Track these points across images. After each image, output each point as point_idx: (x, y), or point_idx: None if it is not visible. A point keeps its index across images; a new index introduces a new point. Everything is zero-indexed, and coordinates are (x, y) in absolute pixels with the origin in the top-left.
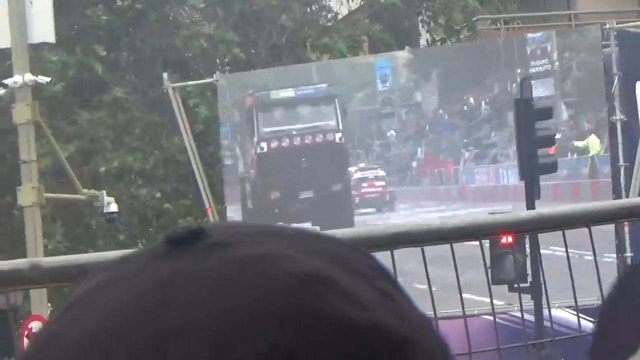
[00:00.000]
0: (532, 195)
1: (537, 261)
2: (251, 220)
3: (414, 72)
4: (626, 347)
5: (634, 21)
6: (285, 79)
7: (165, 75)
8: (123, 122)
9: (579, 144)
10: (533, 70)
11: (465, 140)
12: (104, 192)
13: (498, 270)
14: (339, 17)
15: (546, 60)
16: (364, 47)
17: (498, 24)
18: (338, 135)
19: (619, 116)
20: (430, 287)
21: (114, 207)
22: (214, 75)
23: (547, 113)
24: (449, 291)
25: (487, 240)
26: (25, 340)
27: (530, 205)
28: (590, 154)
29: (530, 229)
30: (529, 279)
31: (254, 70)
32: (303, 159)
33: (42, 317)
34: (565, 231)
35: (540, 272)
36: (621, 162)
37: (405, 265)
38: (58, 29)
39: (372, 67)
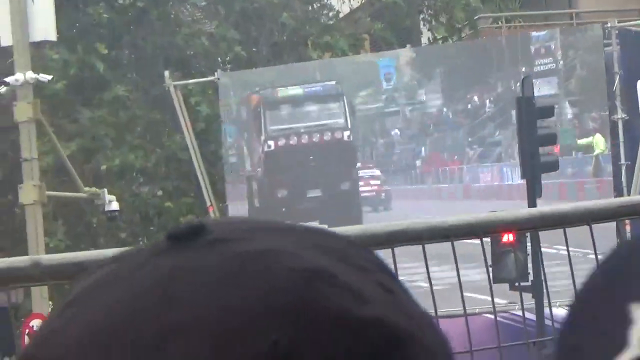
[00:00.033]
0: (533, 193)
1: (538, 259)
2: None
3: (418, 71)
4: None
5: (636, 20)
6: (287, 77)
7: (166, 73)
8: (124, 120)
9: (583, 142)
10: (537, 68)
11: (469, 139)
12: (105, 190)
13: (499, 268)
14: (340, 15)
15: (550, 58)
16: (365, 46)
17: (499, 23)
18: (346, 133)
19: (620, 115)
20: (431, 284)
21: (115, 205)
22: (216, 73)
23: (548, 111)
24: (452, 290)
25: (489, 239)
26: (26, 339)
27: (532, 204)
28: (595, 153)
29: (531, 227)
30: (530, 277)
31: (255, 68)
32: (311, 157)
33: (43, 315)
34: (568, 230)
35: (542, 271)
36: (622, 161)
37: (407, 264)
38: (59, 27)
39: (375, 66)
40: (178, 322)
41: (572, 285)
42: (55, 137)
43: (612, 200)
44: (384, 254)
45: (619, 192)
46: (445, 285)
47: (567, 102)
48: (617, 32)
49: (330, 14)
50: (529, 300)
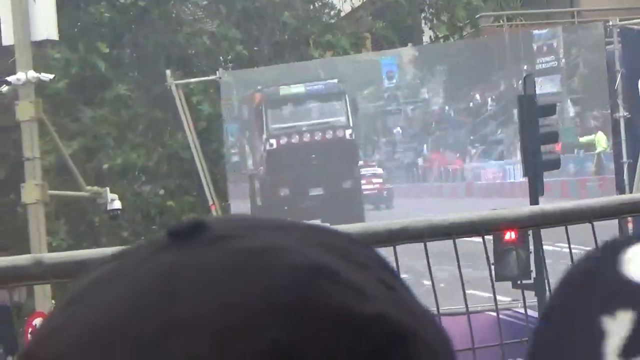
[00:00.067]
0: (535, 191)
1: (540, 257)
2: None
3: (420, 69)
4: None
5: (637, 18)
6: (289, 76)
7: (168, 72)
8: (126, 119)
9: (584, 139)
10: (539, 67)
11: (471, 137)
12: (108, 189)
13: (502, 266)
14: (342, 14)
15: (552, 57)
16: (366, 45)
17: (501, 21)
18: (348, 131)
19: (622, 113)
20: (432, 281)
21: (117, 204)
22: (217, 72)
23: (550, 109)
24: (456, 288)
25: (491, 237)
26: (29, 338)
27: (534, 202)
28: (597, 151)
29: (533, 225)
30: (533, 275)
31: (257, 67)
32: (313, 156)
33: (46, 314)
34: (571, 228)
35: (544, 269)
36: (624, 159)
37: (410, 262)
38: (61, 26)
39: (378, 64)
40: (179, 319)
41: None
42: (57, 136)
43: (614, 198)
44: (386, 252)
45: (620, 190)
46: (451, 283)
47: (569, 100)
48: (618, 30)
49: (332, 12)
50: (531, 298)
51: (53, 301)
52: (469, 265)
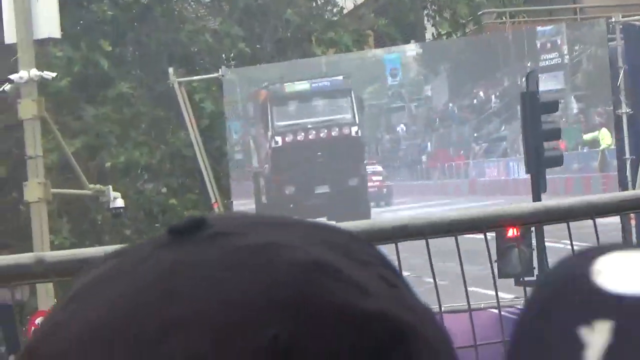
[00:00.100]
0: (538, 188)
1: (543, 254)
2: None
3: (424, 67)
4: None
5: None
6: (292, 73)
7: (170, 70)
8: (129, 117)
9: (588, 136)
10: (543, 63)
11: (475, 134)
12: (110, 187)
13: (504, 263)
14: (345, 11)
15: (556, 53)
16: (369, 42)
17: (503, 18)
18: (354, 128)
19: (624, 109)
20: (434, 279)
21: (120, 203)
22: (220, 70)
23: (552, 106)
24: (459, 285)
25: (494, 234)
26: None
27: (537, 199)
28: (601, 147)
29: (535, 221)
30: (536, 272)
31: (260, 64)
32: (319, 153)
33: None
34: (576, 225)
35: (546, 266)
36: (627, 155)
37: (414, 260)
38: (63, 24)
39: (381, 62)
40: (179, 316)
41: None
42: (60, 135)
43: (616, 194)
44: (388, 249)
45: (623, 187)
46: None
47: (573, 97)
48: (621, 26)
49: (334, 10)
50: None
51: (55, 300)
52: (472, 263)
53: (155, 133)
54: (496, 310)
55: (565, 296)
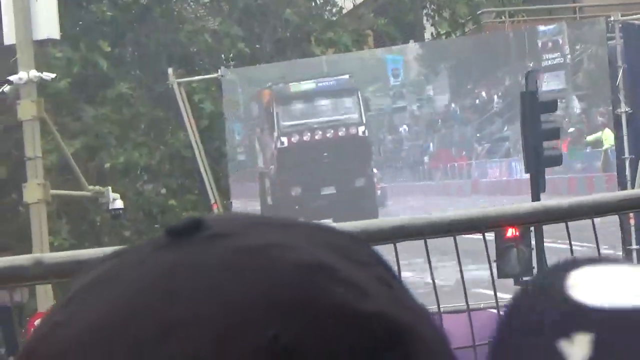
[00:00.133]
0: (537, 188)
1: (542, 254)
2: None
3: (426, 67)
4: None
5: (639, 13)
6: (292, 73)
7: (170, 70)
8: (128, 118)
9: (591, 138)
10: (544, 63)
11: (477, 135)
12: (110, 188)
13: (504, 263)
14: (344, 11)
15: (558, 53)
16: (368, 41)
17: (503, 17)
18: (361, 128)
19: (624, 108)
20: (433, 278)
21: (119, 204)
22: (219, 70)
23: (552, 105)
24: (460, 285)
25: (493, 234)
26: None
27: (536, 198)
28: (604, 147)
29: (533, 221)
30: (535, 272)
31: (259, 64)
32: (325, 154)
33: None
34: (575, 225)
35: (545, 266)
36: (626, 155)
37: (414, 260)
38: (63, 25)
39: (383, 62)
40: (179, 317)
41: None
42: (59, 135)
43: (615, 194)
44: (386, 250)
45: (622, 186)
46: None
47: (574, 97)
48: (620, 25)
49: (334, 10)
50: None
51: (55, 301)
52: (472, 263)
53: (155, 134)
54: (494, 310)
55: (542, 310)
